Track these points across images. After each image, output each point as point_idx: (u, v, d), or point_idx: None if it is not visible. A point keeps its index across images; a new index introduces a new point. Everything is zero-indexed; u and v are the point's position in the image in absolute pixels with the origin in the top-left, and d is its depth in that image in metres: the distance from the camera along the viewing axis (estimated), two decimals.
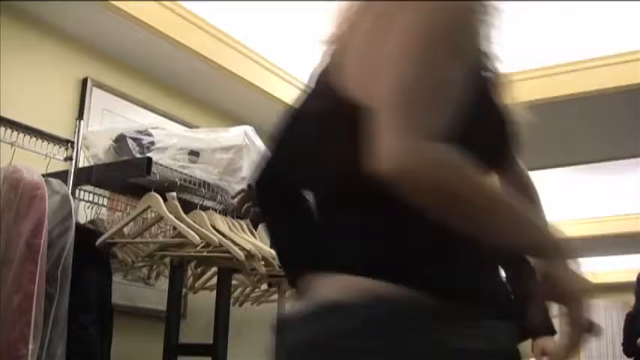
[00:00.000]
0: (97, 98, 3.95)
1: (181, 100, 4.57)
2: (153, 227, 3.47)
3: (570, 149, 6.05)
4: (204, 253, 3.25)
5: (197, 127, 4.23)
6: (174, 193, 3.21)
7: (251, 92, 4.65)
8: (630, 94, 4.65)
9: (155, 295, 4.02)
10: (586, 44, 4.52)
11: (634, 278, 6.56)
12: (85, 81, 3.90)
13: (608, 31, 4.35)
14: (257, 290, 4.18)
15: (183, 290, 3.80)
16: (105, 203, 3.55)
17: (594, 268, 12.58)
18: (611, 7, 4.08)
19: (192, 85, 4.53)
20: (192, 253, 3.27)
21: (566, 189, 7.98)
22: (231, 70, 4.41)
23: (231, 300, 3.84)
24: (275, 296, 4.29)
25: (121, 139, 3.26)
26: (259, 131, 3.55)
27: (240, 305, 4.18)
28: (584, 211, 8.96)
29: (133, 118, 4.06)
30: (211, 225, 3.24)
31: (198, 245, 3.13)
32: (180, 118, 4.45)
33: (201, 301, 4.06)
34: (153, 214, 3.26)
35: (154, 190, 3.16)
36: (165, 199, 3.17)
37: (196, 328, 4.03)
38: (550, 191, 8.10)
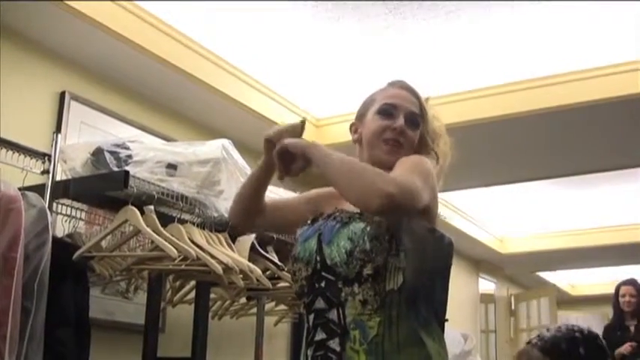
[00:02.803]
0: (74, 111, 3.93)
1: (159, 114, 4.57)
2: (131, 241, 3.46)
3: (547, 163, 6.10)
4: (182, 267, 3.25)
5: (175, 140, 4.22)
6: (151, 207, 3.20)
7: (229, 105, 4.65)
8: (608, 107, 4.70)
9: (133, 309, 4.01)
10: (579, 54, 4.58)
11: (612, 290, 6.58)
12: (62, 94, 3.89)
13: (604, 41, 4.41)
14: (236, 304, 4.18)
15: (162, 304, 3.80)
16: (83, 217, 3.54)
17: (573, 280, 12.70)
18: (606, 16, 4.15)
19: (171, 98, 4.53)
20: (170, 267, 3.26)
21: (545, 202, 8.04)
22: (209, 83, 4.41)
23: (210, 313, 3.84)
24: (254, 310, 4.29)
25: (98, 153, 3.25)
26: (237, 144, 3.55)
27: (220, 319, 4.17)
28: (563, 224, 9.03)
29: (110, 132, 4.05)
30: (189, 238, 3.23)
31: (176, 259, 3.12)
32: (158, 131, 4.44)
33: (181, 315, 4.06)
34: (130, 228, 3.26)
35: (132, 204, 3.15)
36: (142, 213, 3.16)
37: (175, 342, 4.02)
38: (529, 204, 8.17)
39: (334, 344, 1.92)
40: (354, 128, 2.27)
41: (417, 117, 2.18)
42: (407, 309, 1.89)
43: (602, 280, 11.65)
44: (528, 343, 2.53)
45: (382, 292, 1.88)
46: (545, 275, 11.73)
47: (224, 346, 4.55)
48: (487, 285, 10.51)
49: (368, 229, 1.91)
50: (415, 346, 1.87)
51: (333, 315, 1.94)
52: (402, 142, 2.14)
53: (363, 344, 1.86)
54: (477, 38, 4.38)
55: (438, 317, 1.99)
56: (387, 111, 2.16)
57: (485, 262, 10.13)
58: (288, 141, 2.04)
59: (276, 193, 3.01)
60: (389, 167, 2.00)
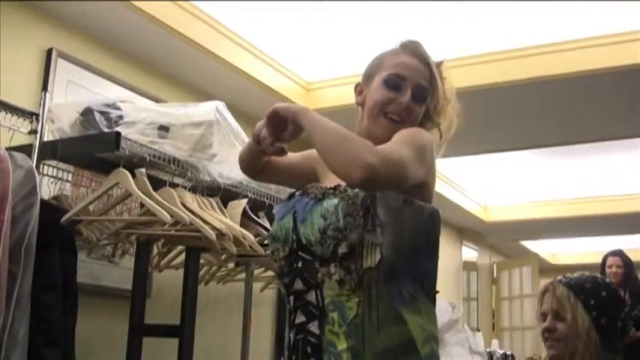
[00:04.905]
0: (61, 70, 3.83)
1: (149, 74, 4.48)
2: (118, 205, 3.38)
3: (532, 132, 6.08)
4: (173, 232, 3.17)
5: (165, 102, 4.14)
6: (143, 170, 3.11)
7: (220, 67, 4.57)
8: (600, 78, 4.66)
9: (119, 274, 3.93)
10: (575, 24, 4.52)
11: (597, 260, 6.58)
12: (49, 52, 3.78)
13: (601, 10, 4.33)
14: (223, 269, 4.12)
15: (149, 269, 3.72)
16: (69, 178, 3.45)
17: (555, 250, 12.76)
18: None
19: (161, 59, 4.44)
20: (161, 232, 3.19)
21: (529, 171, 8.04)
22: (201, 44, 4.32)
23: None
24: (240, 275, 4.23)
25: (87, 113, 3.15)
26: (227, 107, 3.46)
27: (206, 284, 4.12)
28: (546, 194, 9.05)
29: (98, 91, 3.96)
30: (181, 203, 3.15)
31: (167, 223, 3.04)
32: (148, 92, 4.36)
33: (166, 280, 4.00)
34: (120, 191, 3.17)
35: (122, 166, 3.07)
36: (133, 176, 3.07)
37: (161, 308, 3.96)
38: (513, 173, 8.16)
39: (314, 327, 1.84)
40: (359, 89, 2.14)
41: (425, 91, 2.05)
42: (387, 286, 1.81)
43: (583, 249, 11.74)
44: (554, 280, 2.58)
45: (359, 271, 1.79)
46: (528, 244, 11.79)
47: (209, 311, 4.51)
48: (470, 253, 10.55)
49: (341, 205, 1.81)
50: (396, 324, 1.79)
51: (311, 297, 1.86)
52: (404, 119, 2.02)
53: (343, 326, 1.79)
54: (469, 4, 4.29)
55: (426, 291, 1.89)
56: (394, 82, 2.03)
57: (469, 230, 10.16)
58: (280, 105, 1.93)
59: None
60: (387, 142, 1.88)
